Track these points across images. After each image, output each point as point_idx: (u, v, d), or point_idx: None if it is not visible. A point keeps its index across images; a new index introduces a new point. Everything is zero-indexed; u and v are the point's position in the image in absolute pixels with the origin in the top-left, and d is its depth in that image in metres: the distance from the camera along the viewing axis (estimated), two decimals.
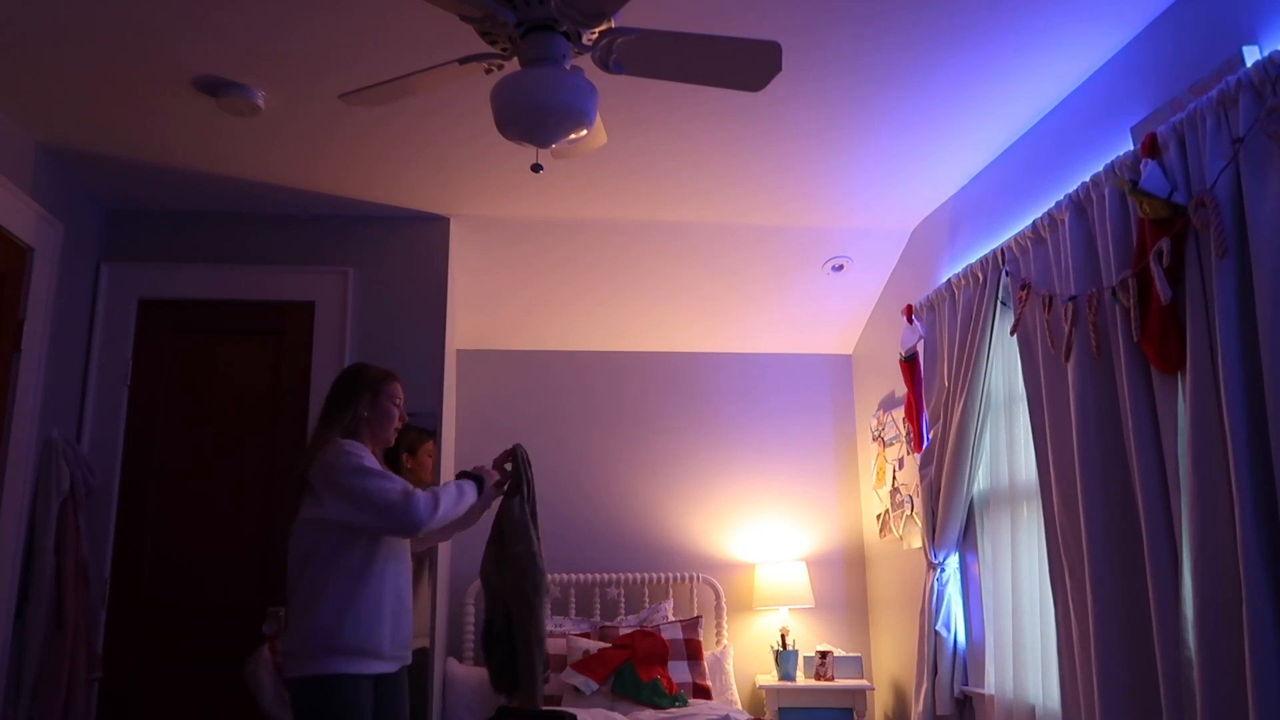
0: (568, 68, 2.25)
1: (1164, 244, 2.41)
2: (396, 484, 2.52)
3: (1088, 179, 2.83)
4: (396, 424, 2.76)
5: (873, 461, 4.68)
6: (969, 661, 3.66)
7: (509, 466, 2.88)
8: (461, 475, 2.77)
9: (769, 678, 4.47)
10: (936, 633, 3.69)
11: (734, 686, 4.34)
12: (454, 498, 2.61)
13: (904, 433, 4.23)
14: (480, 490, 2.75)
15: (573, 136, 2.30)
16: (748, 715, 3.84)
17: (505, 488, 2.87)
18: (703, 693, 4.13)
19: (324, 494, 2.52)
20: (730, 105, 3.20)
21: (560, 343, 4.95)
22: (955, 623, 3.71)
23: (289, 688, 2.55)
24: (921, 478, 3.83)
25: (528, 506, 2.86)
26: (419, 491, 2.53)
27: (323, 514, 2.53)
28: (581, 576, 4.59)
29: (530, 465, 2.90)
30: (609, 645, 4.16)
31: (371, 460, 2.58)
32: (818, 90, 3.13)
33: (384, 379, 2.74)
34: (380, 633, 2.54)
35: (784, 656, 4.39)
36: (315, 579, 2.51)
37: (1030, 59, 2.96)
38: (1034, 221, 3.11)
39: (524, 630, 2.81)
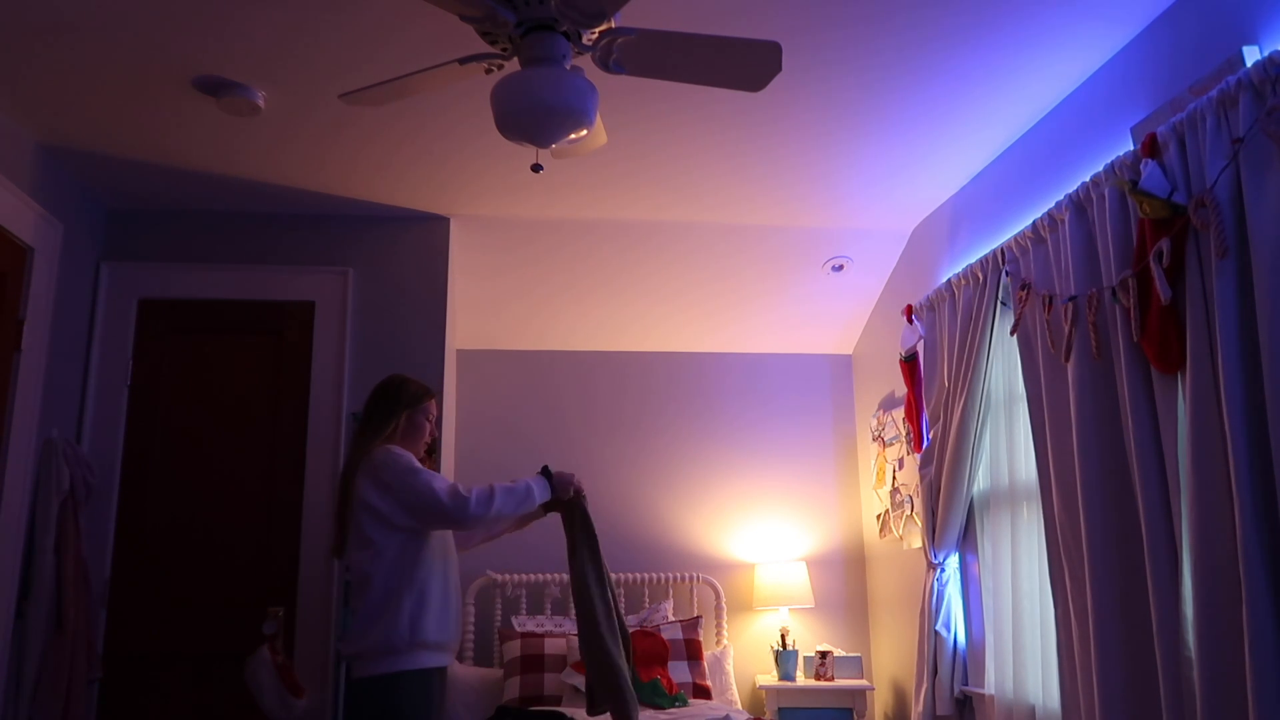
0: (568, 68, 2.25)
1: (1164, 244, 2.41)
2: (444, 482, 2.69)
3: (1088, 179, 2.83)
4: (426, 439, 2.93)
5: (873, 461, 4.68)
6: (969, 661, 3.66)
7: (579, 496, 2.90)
8: (543, 472, 2.85)
9: (769, 678, 4.47)
10: (936, 633, 3.69)
11: (734, 686, 4.34)
12: (519, 498, 2.73)
13: (904, 433, 4.23)
14: (551, 490, 2.82)
15: (573, 136, 2.30)
16: (748, 715, 3.84)
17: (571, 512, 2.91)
18: (703, 693, 4.12)
19: (374, 493, 2.66)
20: (730, 105, 3.20)
21: (560, 343, 4.95)
22: (955, 623, 3.71)
23: (365, 684, 2.64)
24: (921, 478, 3.83)
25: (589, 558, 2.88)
26: (474, 488, 2.67)
27: (373, 513, 2.65)
28: None
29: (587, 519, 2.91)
30: None
31: (417, 463, 2.74)
32: (818, 90, 3.13)
33: (424, 396, 2.92)
34: (450, 627, 2.73)
35: (784, 656, 4.39)
36: (386, 585, 2.64)
37: (1030, 59, 2.96)
38: (1034, 221, 3.11)
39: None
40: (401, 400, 2.86)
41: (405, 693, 2.61)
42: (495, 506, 2.65)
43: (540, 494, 2.79)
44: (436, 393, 2.98)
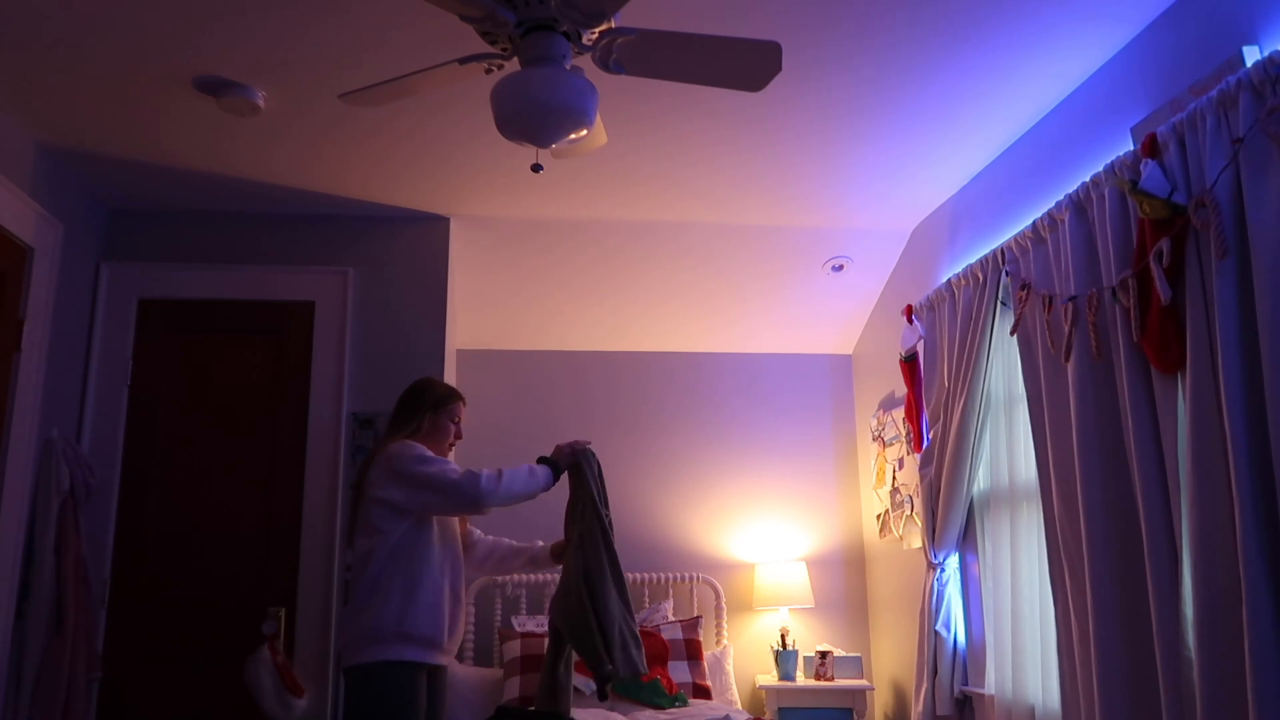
0: (568, 68, 2.25)
1: (1164, 244, 2.41)
2: (457, 467, 2.72)
3: (1088, 179, 2.83)
4: (451, 440, 2.96)
5: (873, 461, 4.68)
6: (969, 661, 3.66)
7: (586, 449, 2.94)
8: (540, 460, 2.88)
9: (769, 678, 4.47)
10: (936, 633, 3.69)
11: (734, 686, 4.34)
12: (523, 478, 2.75)
13: (904, 433, 4.23)
14: (555, 475, 2.85)
15: (573, 136, 2.30)
16: (748, 715, 3.84)
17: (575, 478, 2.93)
18: (703, 693, 4.12)
19: (387, 484, 2.68)
20: (730, 105, 3.20)
21: (560, 343, 4.95)
22: (955, 623, 3.71)
23: (349, 674, 2.65)
24: (921, 478, 3.83)
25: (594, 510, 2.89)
26: (484, 470, 2.70)
27: (383, 504, 2.68)
28: None
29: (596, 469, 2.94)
30: None
31: (430, 453, 2.76)
32: (818, 90, 3.13)
33: (449, 398, 2.95)
34: (441, 625, 2.71)
35: (784, 656, 4.39)
36: (380, 573, 2.66)
37: (1030, 59, 2.96)
38: (1034, 221, 3.11)
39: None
40: (425, 401, 2.90)
41: (387, 685, 2.57)
42: (504, 484, 2.68)
43: (542, 472, 2.80)
44: (463, 396, 3.01)
